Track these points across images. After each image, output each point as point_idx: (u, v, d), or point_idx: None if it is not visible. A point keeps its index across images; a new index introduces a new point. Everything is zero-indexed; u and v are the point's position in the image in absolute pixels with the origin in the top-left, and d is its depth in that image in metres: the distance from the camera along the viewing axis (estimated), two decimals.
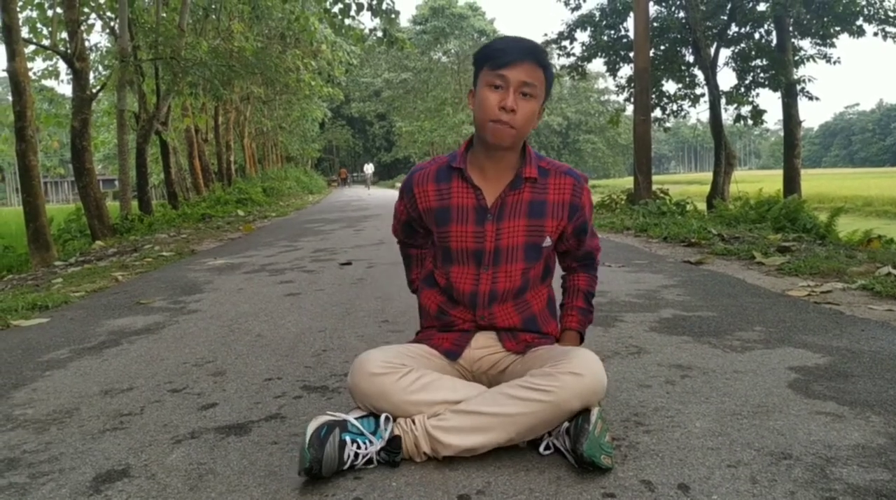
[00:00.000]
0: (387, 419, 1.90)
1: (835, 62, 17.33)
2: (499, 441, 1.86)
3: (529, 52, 1.96)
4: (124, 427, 2.30)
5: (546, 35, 20.53)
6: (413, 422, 1.89)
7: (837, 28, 16.41)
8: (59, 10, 13.10)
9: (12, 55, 9.21)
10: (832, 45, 17.22)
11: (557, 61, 22.75)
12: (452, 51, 51.86)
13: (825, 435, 2.00)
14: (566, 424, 1.87)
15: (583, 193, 2.14)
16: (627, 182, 26.85)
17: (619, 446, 1.98)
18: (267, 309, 4.42)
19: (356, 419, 1.89)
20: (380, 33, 17.23)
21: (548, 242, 2.13)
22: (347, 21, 16.87)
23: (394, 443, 1.87)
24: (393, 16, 16.33)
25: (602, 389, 1.89)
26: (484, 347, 2.16)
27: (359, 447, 1.83)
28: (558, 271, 2.35)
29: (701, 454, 1.90)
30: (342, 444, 1.80)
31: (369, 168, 49.65)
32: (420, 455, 1.88)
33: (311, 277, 5.83)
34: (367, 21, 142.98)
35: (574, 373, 1.85)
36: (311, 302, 4.62)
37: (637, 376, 2.64)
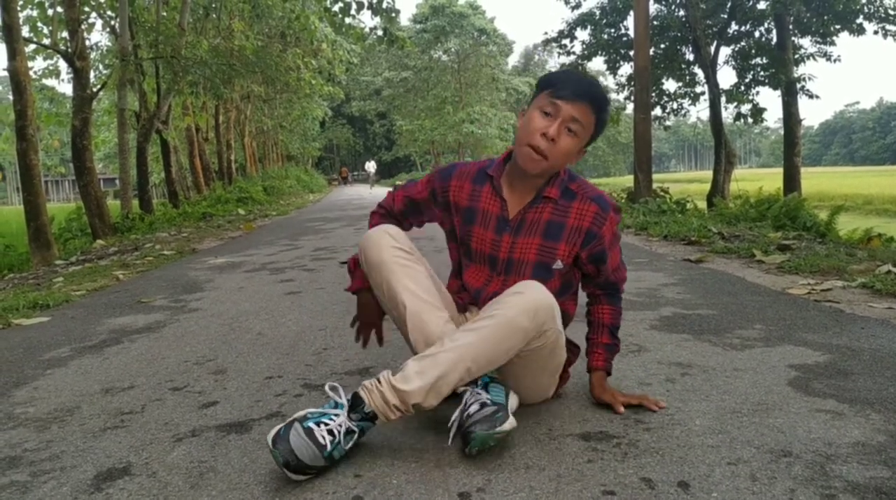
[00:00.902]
0: (333, 388, 1.93)
1: (835, 60, 17.34)
2: (459, 374, 1.87)
3: (589, 94, 1.99)
4: (125, 426, 2.31)
5: (546, 34, 20.55)
6: (378, 381, 1.89)
7: (837, 26, 16.40)
8: (59, 9, 13.10)
9: (13, 54, 9.21)
10: (832, 44, 17.23)
11: (558, 60, 22.75)
12: (453, 49, 51.74)
13: (825, 433, 2.00)
14: (493, 395, 1.93)
15: (605, 222, 2.13)
16: (628, 180, 26.86)
17: (618, 444, 1.98)
18: (268, 308, 4.42)
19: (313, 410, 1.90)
20: (380, 32, 17.23)
21: (559, 264, 2.15)
22: (348, 20, 16.86)
23: (356, 399, 1.88)
24: (393, 14, 16.33)
25: (548, 305, 1.93)
26: None
27: (328, 425, 1.83)
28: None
29: (701, 451, 1.91)
30: (309, 431, 1.79)
31: (371, 166, 48.37)
32: (392, 411, 1.86)
33: (312, 275, 5.83)
34: (367, 20, 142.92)
35: (516, 292, 1.94)
36: (312, 301, 4.62)
37: (637, 374, 2.64)
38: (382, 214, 2.43)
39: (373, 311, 2.30)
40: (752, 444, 1.94)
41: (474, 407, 1.88)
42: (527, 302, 1.91)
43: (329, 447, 1.80)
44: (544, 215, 2.13)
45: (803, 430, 2.03)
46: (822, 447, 1.91)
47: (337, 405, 1.89)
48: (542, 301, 1.93)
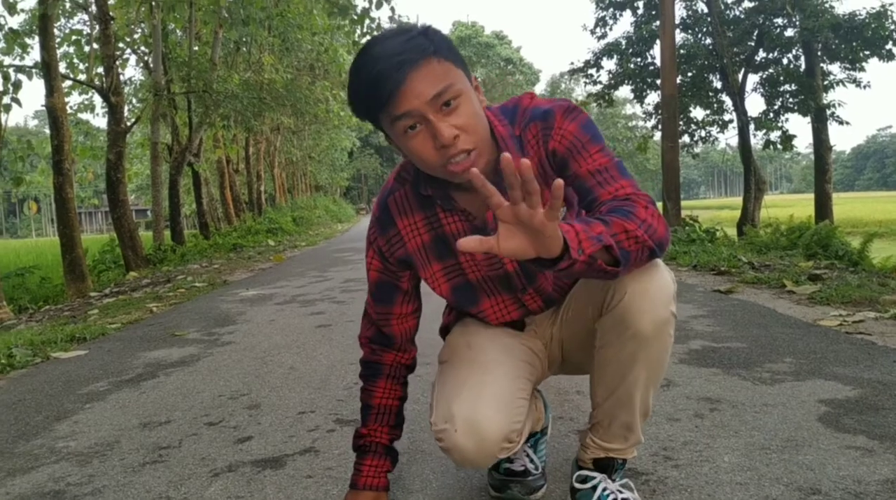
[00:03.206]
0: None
1: (865, 86, 17.24)
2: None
3: (406, 62, 1.34)
4: (163, 461, 2.36)
5: (573, 63, 20.71)
6: (584, 446, 1.77)
7: (866, 52, 16.35)
8: (95, 45, 13.45)
9: (51, 91, 9.48)
10: (861, 69, 17.15)
11: (584, 88, 22.85)
12: (479, 79, 52.18)
13: (855, 470, 2.00)
14: (539, 454, 1.98)
15: (553, 130, 1.51)
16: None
17: (647, 481, 2.00)
18: (299, 341, 4.48)
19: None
20: None
21: (563, 211, 1.49)
22: None
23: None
24: None
25: (668, 287, 1.65)
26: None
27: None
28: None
29: (729, 489, 1.91)
30: None
31: None
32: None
33: (342, 308, 5.89)
34: None
35: (642, 294, 1.59)
36: (342, 333, 4.67)
37: (666, 410, 2.65)
38: (369, 346, 1.96)
39: None
40: (781, 481, 1.94)
41: (518, 465, 1.90)
42: (655, 301, 1.61)
43: None
44: None
45: (833, 467, 2.03)
46: (851, 484, 1.91)
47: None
48: (663, 287, 1.62)
